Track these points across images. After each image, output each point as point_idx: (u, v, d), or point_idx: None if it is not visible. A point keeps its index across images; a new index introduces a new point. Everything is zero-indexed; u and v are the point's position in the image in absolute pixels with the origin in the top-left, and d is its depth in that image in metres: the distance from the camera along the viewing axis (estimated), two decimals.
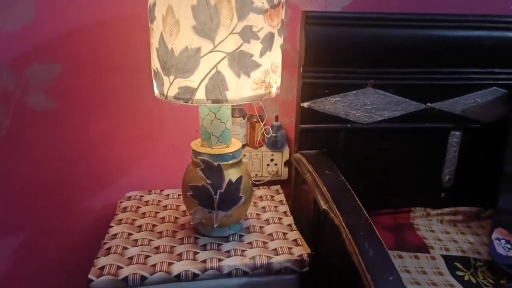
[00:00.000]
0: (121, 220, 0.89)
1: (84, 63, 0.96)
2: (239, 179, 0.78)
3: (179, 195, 1.01)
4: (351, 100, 0.97)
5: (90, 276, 0.72)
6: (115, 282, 0.72)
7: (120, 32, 0.95)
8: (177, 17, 0.67)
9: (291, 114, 1.05)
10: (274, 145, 1.04)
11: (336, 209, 0.72)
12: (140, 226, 0.87)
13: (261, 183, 1.06)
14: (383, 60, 0.96)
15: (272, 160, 1.05)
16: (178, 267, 0.74)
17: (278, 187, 1.06)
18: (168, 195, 1.01)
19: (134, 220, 0.90)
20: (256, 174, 1.06)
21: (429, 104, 1.00)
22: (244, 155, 1.02)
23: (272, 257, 0.77)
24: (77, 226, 1.06)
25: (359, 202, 0.74)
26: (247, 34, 0.68)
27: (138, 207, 0.95)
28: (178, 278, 0.73)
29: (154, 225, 0.88)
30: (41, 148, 1.00)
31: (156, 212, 0.93)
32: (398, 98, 0.98)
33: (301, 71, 0.94)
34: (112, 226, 0.87)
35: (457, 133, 1.03)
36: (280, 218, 0.90)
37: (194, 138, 0.90)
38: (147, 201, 0.98)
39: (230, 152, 0.79)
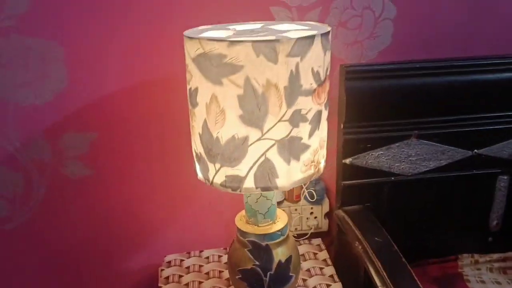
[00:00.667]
0: None
1: (117, 130, 0.93)
2: (289, 259, 0.75)
3: (219, 256, 0.98)
4: (395, 152, 0.93)
5: None
6: None
7: (152, 95, 0.92)
8: (222, 106, 0.63)
9: (329, 166, 1.01)
10: (313, 199, 1.00)
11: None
12: None
13: (302, 238, 1.03)
14: (427, 109, 0.91)
15: (311, 213, 1.02)
16: None
17: (319, 240, 1.02)
18: (208, 257, 0.98)
19: None
20: (296, 228, 1.03)
21: (476, 150, 0.95)
22: (284, 210, 0.98)
23: None
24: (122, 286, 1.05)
25: (418, 282, 0.71)
26: (296, 119, 0.64)
27: (180, 276, 0.92)
28: None
29: None
30: (78, 214, 0.98)
31: (200, 283, 0.90)
32: (443, 147, 0.94)
33: (342, 127, 0.90)
34: None
35: (505, 177, 0.99)
36: (328, 286, 0.87)
37: (228, 195, 0.87)
38: (188, 267, 0.95)
39: (278, 230, 0.76)
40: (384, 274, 0.73)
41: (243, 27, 0.75)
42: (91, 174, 0.96)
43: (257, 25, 0.76)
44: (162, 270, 0.95)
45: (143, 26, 0.87)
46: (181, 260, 0.98)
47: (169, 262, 0.98)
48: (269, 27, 0.74)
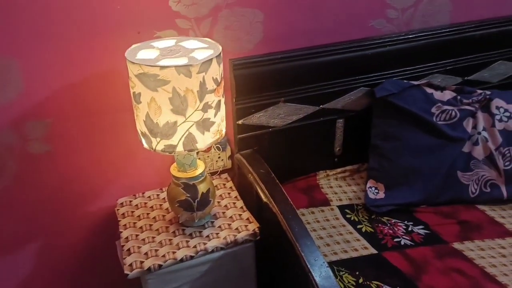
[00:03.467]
0: (125, 225, 1.27)
1: (67, 115, 1.24)
2: (208, 190, 1.19)
3: (157, 195, 1.39)
4: (270, 113, 1.38)
5: (126, 271, 1.12)
6: (142, 272, 1.12)
7: (92, 88, 1.24)
8: (159, 104, 1.01)
9: (228, 126, 1.43)
10: (219, 149, 1.44)
11: (272, 201, 1.17)
12: (141, 228, 1.26)
13: (215, 175, 1.47)
14: (288, 83, 1.37)
15: (219, 157, 1.46)
16: (180, 254, 1.16)
17: (226, 175, 1.47)
18: (149, 196, 1.39)
19: (134, 223, 1.27)
20: (210, 169, 1.46)
21: (321, 105, 1.45)
22: (200, 159, 1.41)
23: (236, 234, 1.21)
24: (85, 226, 1.41)
25: (286, 194, 1.20)
26: (205, 107, 1.05)
27: (132, 212, 1.32)
28: (181, 260, 1.15)
29: (150, 225, 1.27)
30: (44, 179, 1.30)
31: (147, 214, 1.31)
32: (301, 106, 1.42)
33: (234, 101, 1.32)
34: (121, 231, 1.24)
35: (341, 120, 1.51)
36: (234, 203, 1.34)
37: (156, 154, 1.26)
38: (137, 205, 1.35)
39: (199, 174, 1.19)
40: (266, 192, 1.21)
41: (162, 44, 1.11)
42: (52, 150, 1.27)
43: (171, 42, 1.12)
44: (117, 209, 1.34)
45: (80, 39, 1.17)
46: (130, 201, 1.37)
47: (122, 203, 1.36)
48: (181, 44, 1.11)
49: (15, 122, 1.20)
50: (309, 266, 1.01)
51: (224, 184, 1.43)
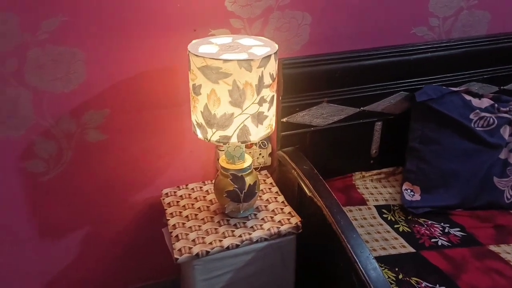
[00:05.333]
0: (171, 213, 1.32)
1: (123, 107, 1.31)
2: (255, 183, 1.24)
3: (200, 187, 1.44)
4: (313, 112, 1.43)
5: (175, 256, 1.16)
6: (191, 257, 1.17)
7: (149, 82, 1.31)
8: (218, 96, 1.07)
9: None
10: (261, 146, 1.49)
11: (317, 195, 1.22)
12: (187, 217, 1.31)
13: (256, 170, 1.52)
14: (332, 84, 1.42)
15: (260, 154, 1.51)
16: (226, 242, 1.20)
17: (266, 171, 1.52)
18: (193, 188, 1.44)
19: (180, 212, 1.33)
20: None
21: (362, 107, 1.49)
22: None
23: (280, 227, 1.26)
24: (131, 214, 1.47)
25: (329, 189, 1.24)
26: (261, 101, 1.10)
27: (177, 201, 1.37)
28: (227, 248, 1.20)
29: (196, 214, 1.32)
30: (97, 167, 1.36)
31: (192, 204, 1.36)
32: (342, 107, 1.47)
33: (280, 99, 1.37)
34: (168, 219, 1.30)
35: (379, 123, 1.55)
36: (275, 197, 1.39)
37: (203, 146, 1.32)
38: (181, 196, 1.40)
39: (247, 166, 1.24)
40: (311, 186, 1.25)
41: (220, 40, 1.17)
42: (107, 139, 1.34)
43: (228, 39, 1.18)
44: (163, 199, 1.39)
45: (141, 36, 1.24)
46: (175, 192, 1.42)
47: (166, 193, 1.42)
48: (238, 41, 1.17)
49: (75, 110, 1.27)
50: (355, 257, 1.05)
51: (264, 180, 1.48)
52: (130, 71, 1.28)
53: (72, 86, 1.24)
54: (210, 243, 1.20)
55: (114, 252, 1.52)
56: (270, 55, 1.07)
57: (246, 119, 1.10)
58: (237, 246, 1.21)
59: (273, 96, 1.14)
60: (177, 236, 1.23)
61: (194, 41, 1.16)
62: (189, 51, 1.08)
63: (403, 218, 1.43)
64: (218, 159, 1.40)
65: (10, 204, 1.33)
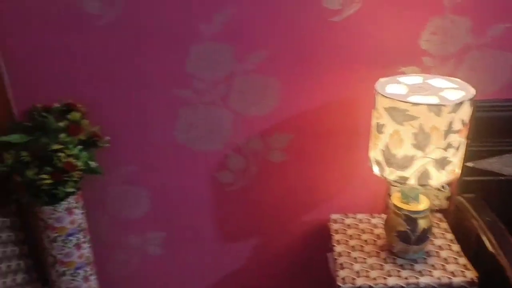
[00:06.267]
0: (338, 240, 1.37)
1: (307, 134, 1.41)
2: (429, 227, 1.20)
3: (368, 219, 1.46)
4: (505, 160, 1.31)
5: (338, 283, 1.21)
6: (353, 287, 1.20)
7: (334, 112, 1.38)
8: (402, 137, 1.07)
9: None
10: (443, 189, 1.42)
11: (501, 253, 1.11)
12: (353, 247, 1.34)
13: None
14: None
15: (436, 195, 1.44)
16: (390, 281, 1.19)
17: (440, 215, 1.45)
18: (361, 219, 1.46)
19: (346, 240, 1.36)
20: None
21: None
22: None
23: (452, 278, 1.19)
24: (297, 232, 1.58)
25: None
26: (447, 146, 1.07)
27: (344, 230, 1.41)
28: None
29: (362, 246, 1.34)
30: (276, 184, 1.50)
31: (359, 235, 1.39)
32: None
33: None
34: (335, 246, 1.35)
35: None
36: (449, 245, 1.31)
37: (375, 178, 1.32)
38: (349, 225, 1.44)
39: (423, 209, 1.20)
40: (494, 242, 1.15)
41: (409, 80, 1.17)
42: (287, 160, 1.46)
43: (419, 79, 1.17)
44: (331, 224, 1.45)
45: (332, 68, 1.32)
46: (342, 219, 1.47)
47: (335, 219, 1.47)
48: (428, 82, 1.15)
49: (264, 132, 1.43)
50: None
51: (438, 224, 1.41)
52: (316, 100, 1.38)
53: (265, 110, 1.39)
54: (374, 279, 1.21)
55: (278, 265, 1.64)
56: (464, 101, 1.03)
57: (427, 162, 1.08)
58: (401, 287, 1.19)
59: (461, 142, 1.09)
60: (342, 264, 1.27)
61: (382, 79, 1.19)
62: (376, 91, 1.12)
63: None
64: (389, 194, 1.40)
65: (200, 207, 1.56)
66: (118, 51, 1.32)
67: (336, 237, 1.39)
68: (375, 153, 1.18)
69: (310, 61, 1.32)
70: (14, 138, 1.28)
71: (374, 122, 1.16)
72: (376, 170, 1.19)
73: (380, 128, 1.13)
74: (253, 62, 1.32)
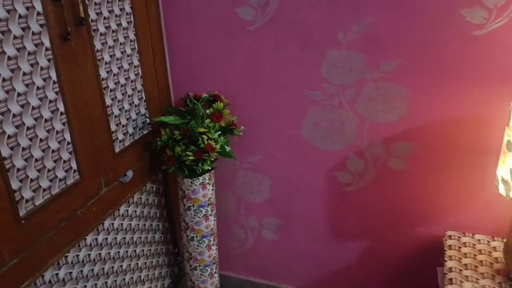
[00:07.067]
0: (450, 256, 1.35)
1: (431, 144, 1.42)
2: None
3: (488, 241, 1.41)
4: None
5: None
6: None
7: (460, 128, 1.37)
8: None
9: None
10: None
11: None
12: (466, 265, 1.31)
13: None
14: None
15: None
16: None
17: None
18: (479, 240, 1.42)
19: (459, 258, 1.34)
20: None
21: None
22: None
23: None
24: (409, 243, 1.59)
25: None
26: None
27: (459, 247, 1.39)
28: None
29: (475, 266, 1.30)
30: (392, 192, 1.54)
31: (474, 255, 1.35)
32: None
33: None
34: (446, 261, 1.34)
35: None
36: None
37: (502, 200, 1.27)
38: (464, 243, 1.41)
39: None
40: None
41: None
42: (407, 169, 1.49)
43: None
44: (445, 240, 1.43)
45: (465, 82, 1.31)
46: (459, 237, 1.44)
47: (450, 236, 1.45)
48: None
49: (388, 139, 1.47)
50: None
51: None
52: (445, 112, 1.37)
53: (391, 118, 1.44)
54: None
55: (386, 272, 1.66)
56: None
57: None
58: None
59: None
60: (451, 279, 1.26)
61: None
62: None
63: None
64: None
65: (316, 202, 1.67)
66: (262, 53, 1.49)
67: (449, 252, 1.37)
68: (502, 171, 1.15)
69: (444, 74, 1.33)
70: (171, 119, 1.54)
71: (505, 139, 1.13)
72: (501, 189, 1.16)
73: (510, 146, 1.10)
74: (384, 70, 1.38)
